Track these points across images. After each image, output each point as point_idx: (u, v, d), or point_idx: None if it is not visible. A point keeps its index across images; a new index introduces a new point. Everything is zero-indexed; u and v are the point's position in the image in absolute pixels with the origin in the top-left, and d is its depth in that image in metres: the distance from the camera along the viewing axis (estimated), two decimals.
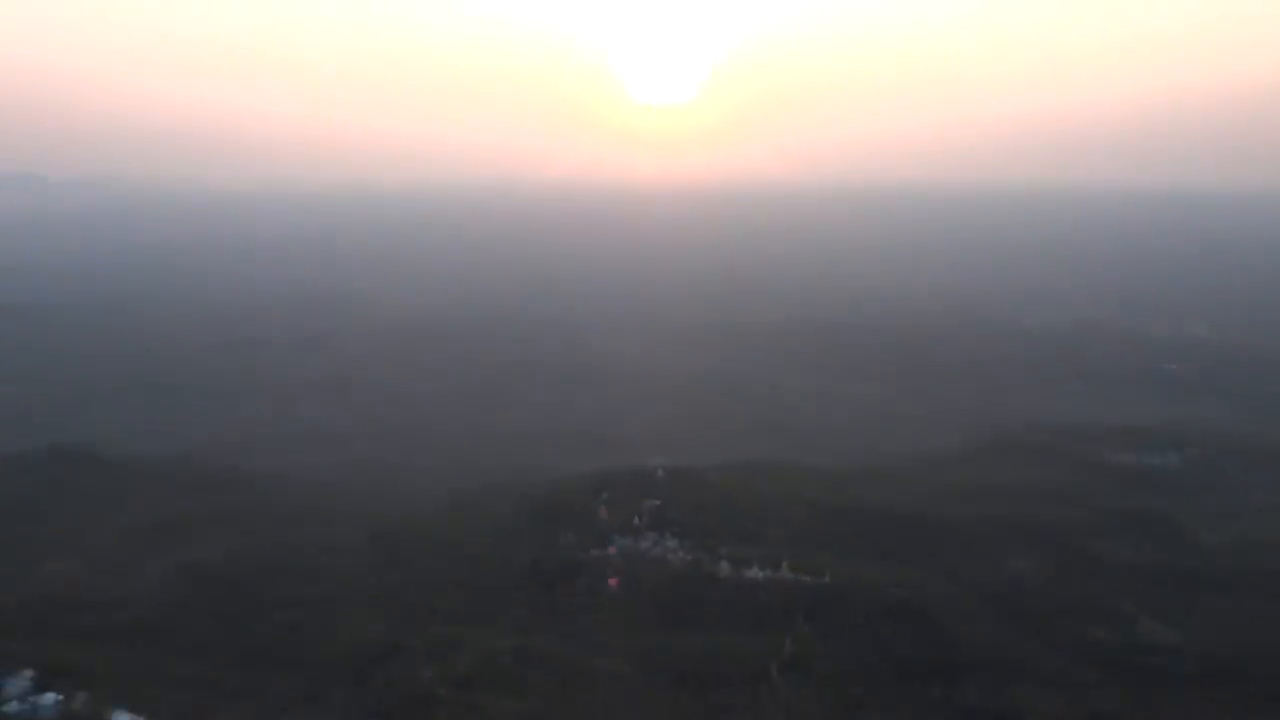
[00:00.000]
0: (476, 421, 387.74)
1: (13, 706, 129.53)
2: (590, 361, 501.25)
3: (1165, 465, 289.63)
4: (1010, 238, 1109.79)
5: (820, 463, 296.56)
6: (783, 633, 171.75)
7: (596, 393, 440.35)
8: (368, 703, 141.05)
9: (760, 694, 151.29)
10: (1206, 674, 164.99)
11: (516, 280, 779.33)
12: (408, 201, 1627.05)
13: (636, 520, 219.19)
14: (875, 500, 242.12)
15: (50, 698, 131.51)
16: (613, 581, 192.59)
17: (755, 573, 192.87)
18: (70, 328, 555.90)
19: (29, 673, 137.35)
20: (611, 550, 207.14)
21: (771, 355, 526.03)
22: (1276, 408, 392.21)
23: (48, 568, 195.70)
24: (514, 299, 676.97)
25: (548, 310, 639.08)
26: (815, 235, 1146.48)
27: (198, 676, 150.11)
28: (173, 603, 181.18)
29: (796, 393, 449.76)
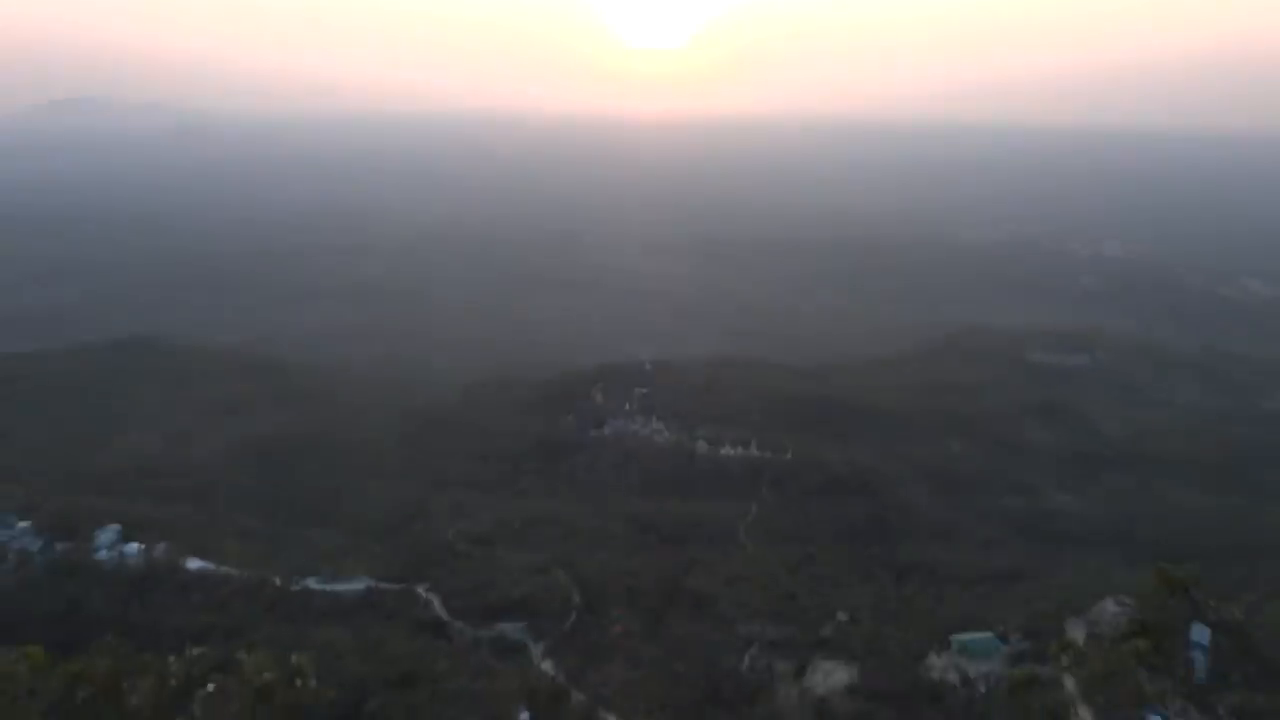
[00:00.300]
0: (490, 321, 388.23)
1: (103, 554, 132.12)
2: (588, 270, 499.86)
3: (1078, 365, 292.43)
4: (959, 166, 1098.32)
5: (787, 359, 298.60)
6: (750, 500, 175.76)
7: (594, 297, 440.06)
8: (399, 555, 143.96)
9: (729, 549, 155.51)
10: (1098, 535, 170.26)
11: (524, 201, 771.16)
12: (425, 131, 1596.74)
13: (628, 406, 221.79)
14: (833, 392, 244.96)
15: (134, 547, 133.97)
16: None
17: (728, 450, 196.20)
18: (133, 236, 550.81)
19: (115, 526, 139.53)
20: (607, 431, 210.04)
21: (747, 267, 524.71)
22: (1175, 318, 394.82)
23: (128, 439, 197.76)
24: (522, 217, 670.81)
25: (551, 227, 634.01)
26: (792, 166, 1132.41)
27: (256, 531, 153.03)
28: (233, 469, 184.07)
29: (768, 298, 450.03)
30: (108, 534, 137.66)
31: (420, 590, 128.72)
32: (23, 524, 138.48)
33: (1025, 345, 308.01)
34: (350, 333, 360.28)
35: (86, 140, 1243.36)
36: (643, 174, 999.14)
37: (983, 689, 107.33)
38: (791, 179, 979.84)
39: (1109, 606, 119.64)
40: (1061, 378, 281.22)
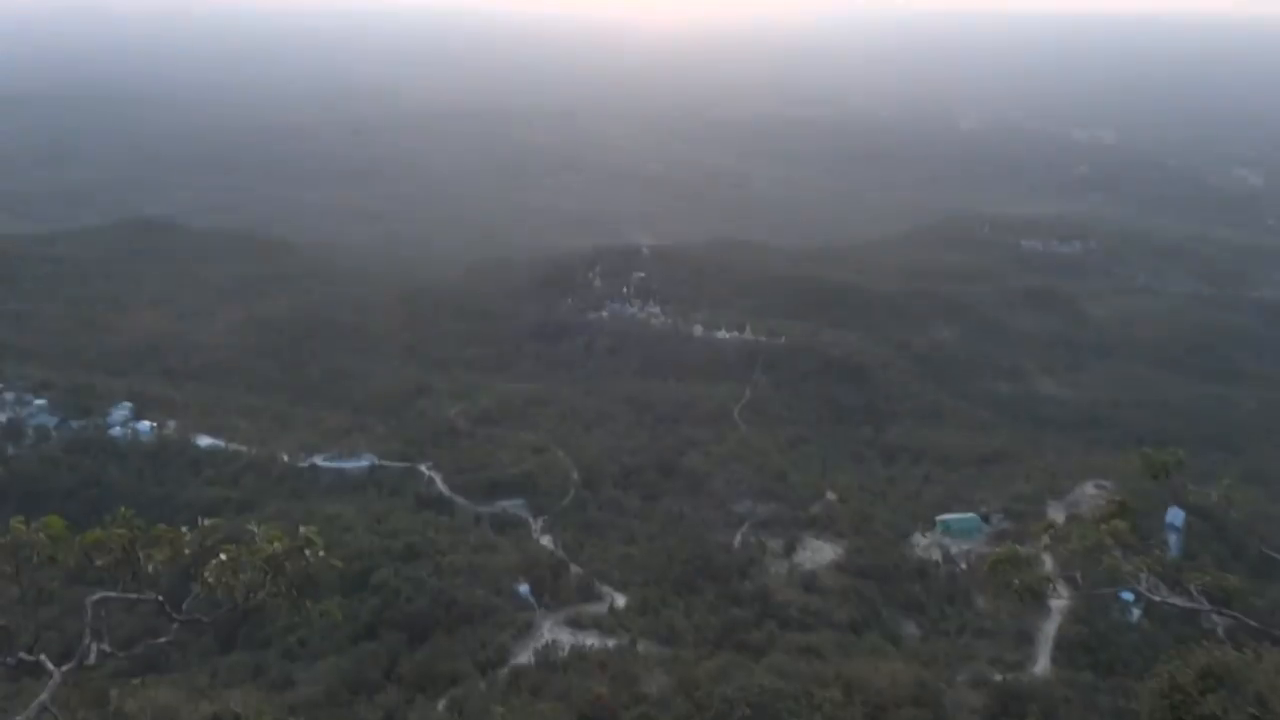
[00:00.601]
0: (489, 203, 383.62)
1: (116, 431, 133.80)
2: (587, 149, 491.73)
3: (1069, 252, 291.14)
4: (964, 50, 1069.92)
5: (784, 242, 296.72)
6: (743, 383, 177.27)
7: (593, 179, 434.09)
8: (403, 433, 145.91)
9: (723, 430, 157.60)
10: (1082, 419, 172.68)
11: (524, 79, 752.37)
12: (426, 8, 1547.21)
13: (625, 289, 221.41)
14: (828, 276, 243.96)
15: (146, 425, 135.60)
16: None
17: (723, 334, 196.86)
18: (142, 118, 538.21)
19: (128, 404, 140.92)
20: (604, 314, 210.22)
21: (745, 148, 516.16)
22: (1165, 205, 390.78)
23: (141, 318, 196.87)
24: (524, 100, 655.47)
25: (552, 108, 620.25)
26: (793, 47, 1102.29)
27: (265, 409, 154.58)
28: (242, 349, 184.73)
29: (766, 181, 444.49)
30: (120, 411, 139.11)
31: (423, 468, 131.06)
32: (39, 401, 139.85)
33: (1019, 232, 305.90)
34: (352, 214, 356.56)
35: (85, 16, 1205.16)
36: (642, 54, 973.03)
37: (964, 566, 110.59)
38: (792, 58, 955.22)
39: (1089, 489, 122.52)
40: (1053, 265, 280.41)
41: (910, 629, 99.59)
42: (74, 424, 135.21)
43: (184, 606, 9.10)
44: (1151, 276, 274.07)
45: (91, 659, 8.36)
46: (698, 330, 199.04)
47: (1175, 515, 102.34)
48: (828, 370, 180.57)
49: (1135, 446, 22.79)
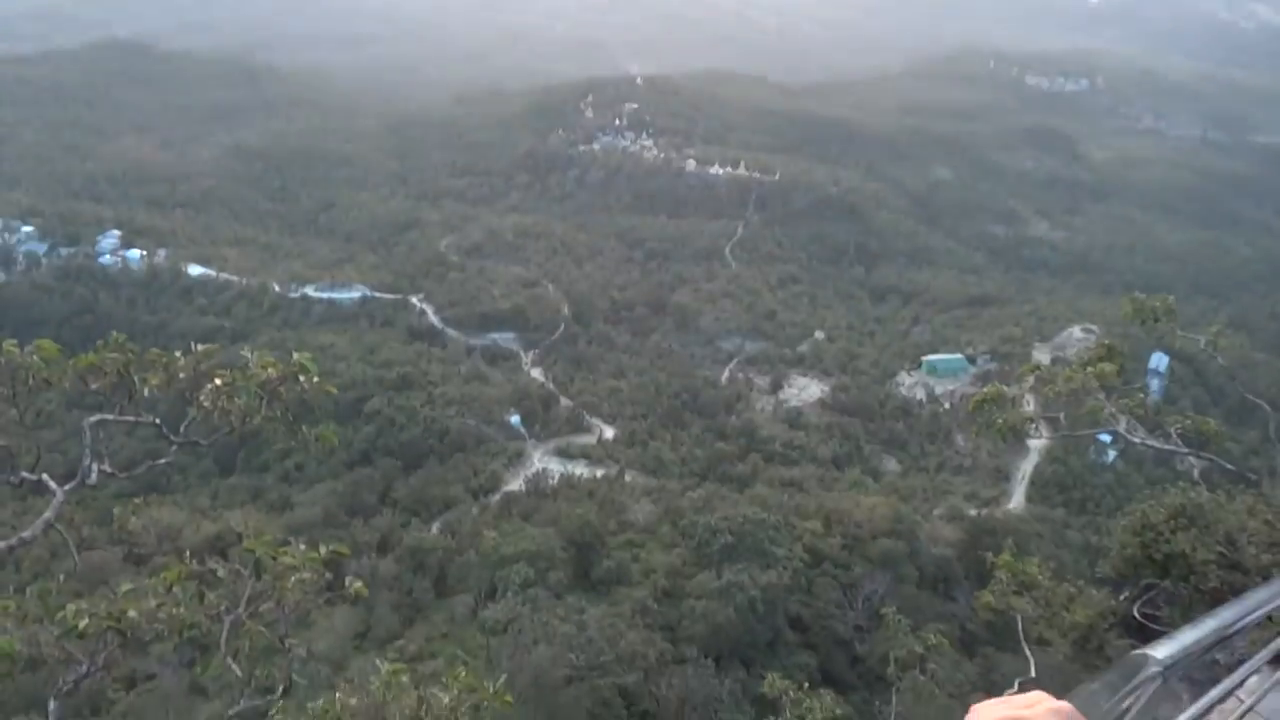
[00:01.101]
0: (478, 29, 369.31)
1: (106, 259, 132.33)
2: None
3: (1075, 91, 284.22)
4: None
5: (781, 77, 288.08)
6: (735, 220, 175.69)
7: (585, 2, 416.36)
8: (394, 265, 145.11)
9: (714, 268, 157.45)
10: (1074, 264, 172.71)
11: None
12: None
13: (617, 121, 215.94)
14: (826, 112, 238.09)
15: (136, 253, 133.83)
16: None
17: (717, 169, 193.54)
18: None
19: (116, 232, 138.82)
20: (596, 146, 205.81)
21: None
22: (1178, 41, 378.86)
23: (124, 144, 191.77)
24: None
25: None
26: None
27: (253, 239, 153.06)
28: (228, 177, 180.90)
29: (764, 11, 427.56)
30: (109, 239, 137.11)
31: (414, 300, 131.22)
32: (27, 228, 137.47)
33: (1024, 68, 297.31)
34: (338, 38, 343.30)
35: None
36: None
37: (947, 406, 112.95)
38: None
39: (1076, 333, 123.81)
40: (1057, 103, 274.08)
41: (891, 465, 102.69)
42: (63, 252, 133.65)
43: (181, 430, 9.18)
44: (1157, 118, 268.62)
45: (93, 479, 8.49)
46: (691, 165, 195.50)
47: (1159, 360, 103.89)
48: (821, 208, 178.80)
49: (1125, 292, 22.81)
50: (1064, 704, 1.75)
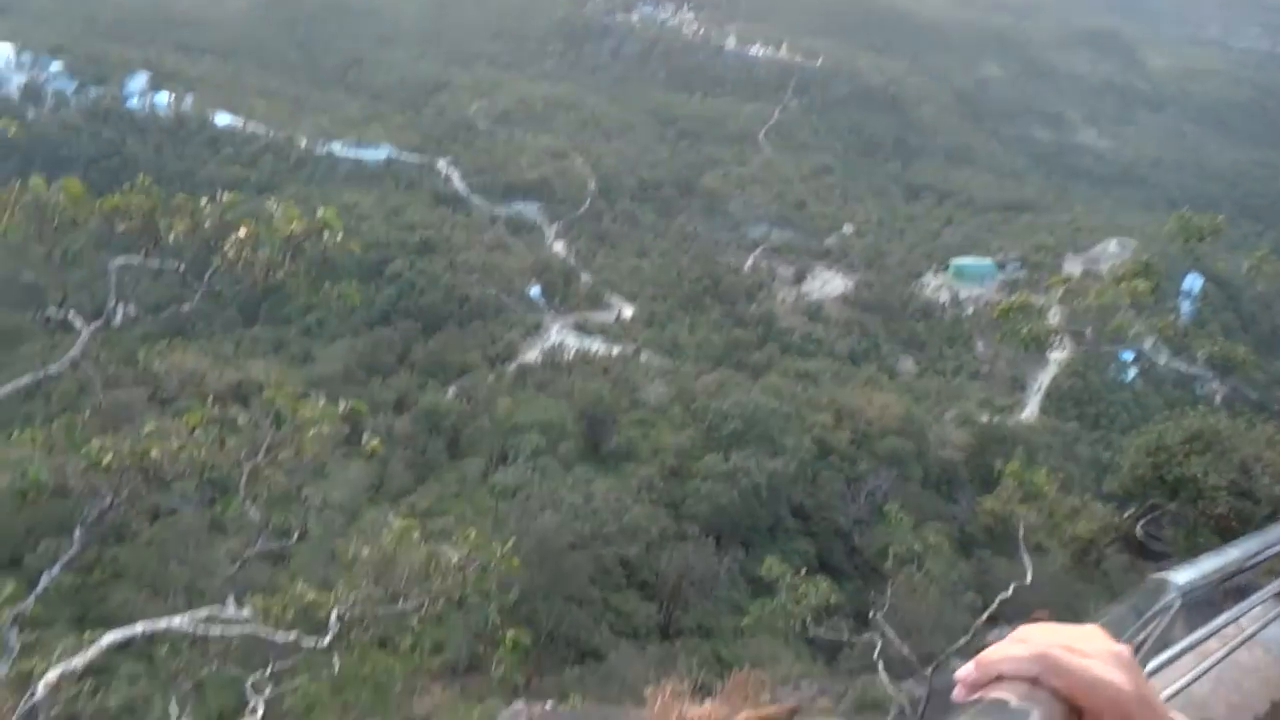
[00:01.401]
0: None
1: (134, 103, 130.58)
2: None
3: None
4: None
5: None
6: (772, 104, 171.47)
7: None
8: (421, 126, 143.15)
9: (746, 152, 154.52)
10: (1118, 175, 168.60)
11: None
12: None
13: None
14: None
15: (164, 97, 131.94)
16: None
17: (757, 49, 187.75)
18: None
19: (144, 74, 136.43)
20: (634, 17, 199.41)
21: None
22: None
23: None
24: None
25: None
26: None
27: (281, 91, 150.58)
28: (258, 25, 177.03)
29: None
30: (137, 81, 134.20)
31: (440, 163, 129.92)
32: (55, 65, 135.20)
33: None
34: None
35: None
36: None
37: (970, 310, 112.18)
38: None
39: (1111, 246, 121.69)
40: (1121, 5, 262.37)
41: (908, 365, 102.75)
42: (92, 91, 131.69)
43: (206, 278, 9.26)
44: (1224, 28, 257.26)
45: (118, 320, 8.62)
46: (731, 43, 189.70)
47: (1193, 281, 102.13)
48: (862, 98, 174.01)
49: (1168, 208, 22.33)
50: (1123, 648, 1.62)
